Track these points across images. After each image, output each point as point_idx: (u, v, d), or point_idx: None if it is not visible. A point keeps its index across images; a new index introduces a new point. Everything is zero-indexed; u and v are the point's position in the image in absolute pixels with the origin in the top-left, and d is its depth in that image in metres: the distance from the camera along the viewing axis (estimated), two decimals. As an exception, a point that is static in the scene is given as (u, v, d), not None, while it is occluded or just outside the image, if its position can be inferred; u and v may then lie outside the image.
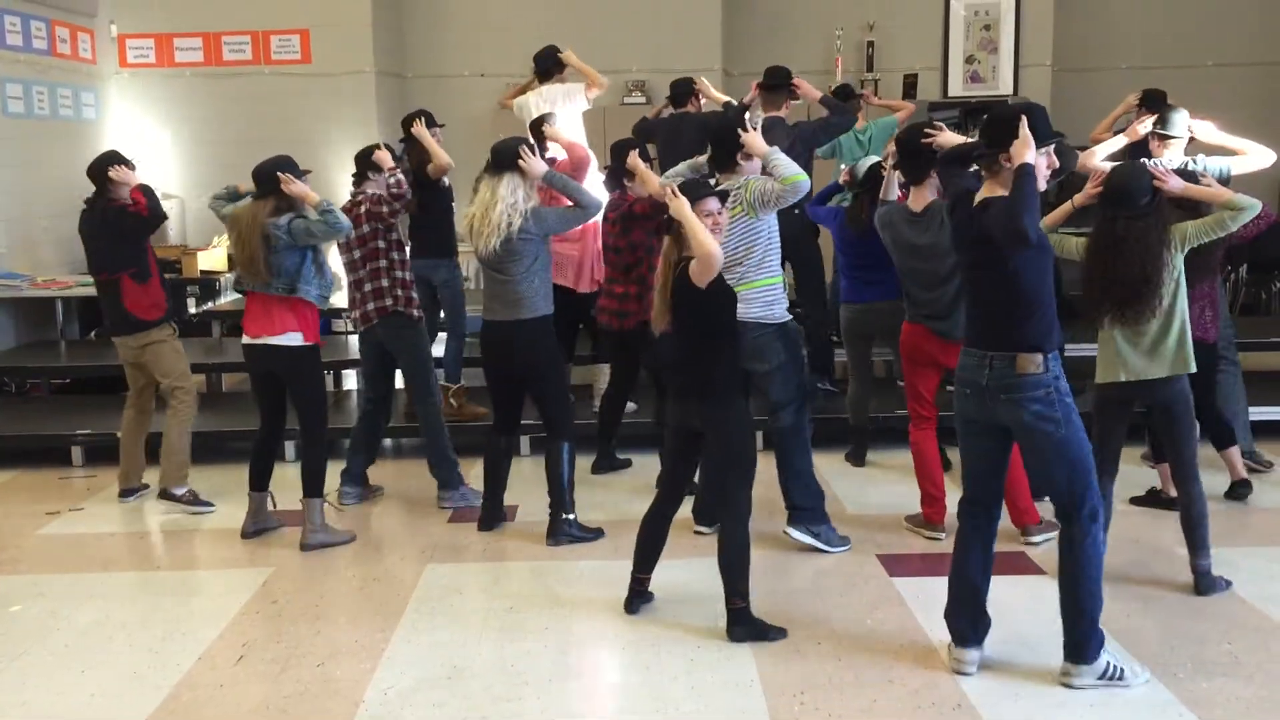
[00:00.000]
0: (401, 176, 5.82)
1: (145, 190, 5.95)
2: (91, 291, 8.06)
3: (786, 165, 4.87)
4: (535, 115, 7.19)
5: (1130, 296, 4.37)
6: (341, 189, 5.97)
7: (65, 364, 8.07)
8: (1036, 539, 5.15)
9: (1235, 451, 5.76)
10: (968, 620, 3.98)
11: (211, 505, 5.94)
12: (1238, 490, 5.75)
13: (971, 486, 4.00)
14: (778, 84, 7.06)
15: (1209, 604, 4.52)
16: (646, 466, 6.34)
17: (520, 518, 5.70)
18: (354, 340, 7.39)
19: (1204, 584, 4.65)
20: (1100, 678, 3.86)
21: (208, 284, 9.03)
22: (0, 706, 3.89)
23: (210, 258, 9.10)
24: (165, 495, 5.98)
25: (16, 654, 4.30)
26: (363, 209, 5.73)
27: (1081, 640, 3.87)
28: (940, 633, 4.23)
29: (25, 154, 8.65)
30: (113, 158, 5.98)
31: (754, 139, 4.96)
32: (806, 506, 5.16)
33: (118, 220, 5.90)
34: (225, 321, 8.20)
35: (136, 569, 5.23)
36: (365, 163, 5.85)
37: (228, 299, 8.75)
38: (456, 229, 6.52)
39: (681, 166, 5.32)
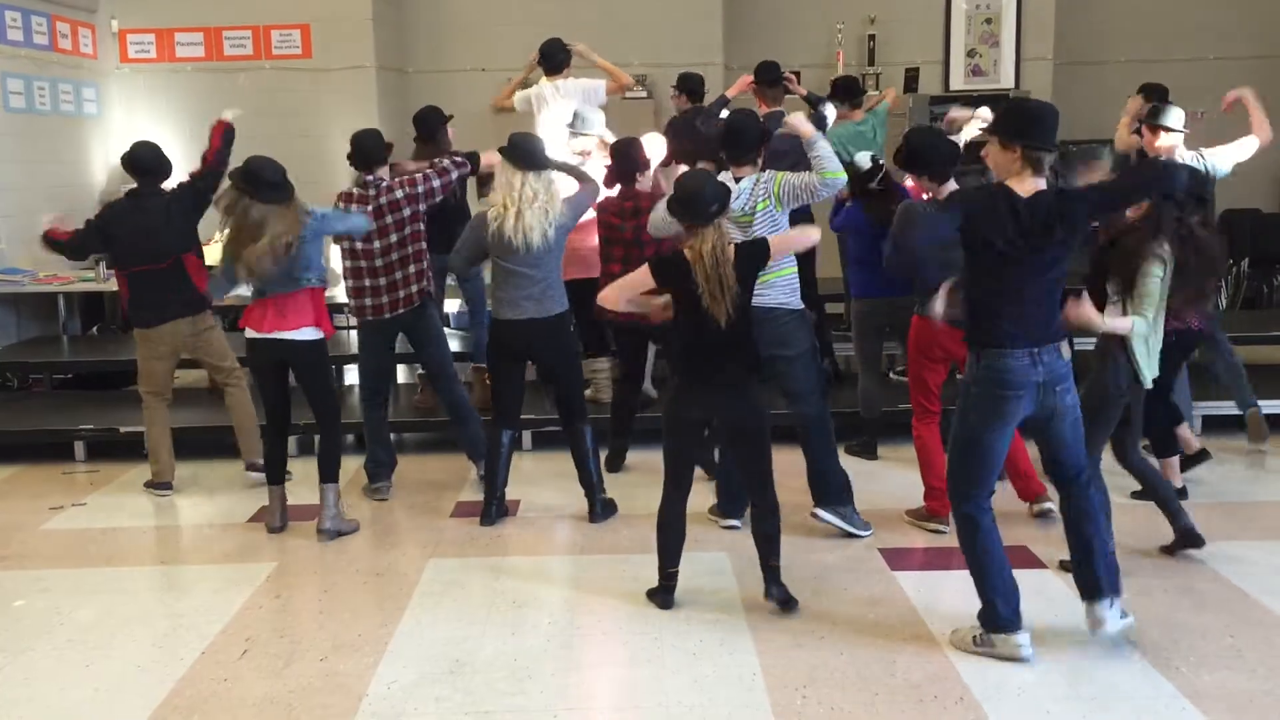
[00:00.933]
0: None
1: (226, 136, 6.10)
2: (93, 286, 8.12)
3: (830, 159, 4.91)
4: (551, 109, 7.20)
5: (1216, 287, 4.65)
6: (344, 183, 5.91)
7: (67, 359, 8.08)
8: (1049, 505, 5.28)
9: (1185, 427, 5.91)
10: (1016, 605, 4.02)
11: (291, 474, 5.93)
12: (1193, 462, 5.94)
13: (993, 483, 4.04)
14: (776, 79, 7.10)
15: (1211, 597, 4.52)
16: (639, 460, 6.34)
17: (522, 512, 5.70)
18: (352, 335, 7.40)
19: (1195, 538, 4.89)
20: (1121, 616, 4.04)
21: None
22: (4, 701, 3.90)
23: (212, 252, 9.08)
24: (254, 467, 6.10)
25: (20, 649, 4.30)
26: (399, 194, 5.63)
27: (1111, 571, 4.02)
28: (942, 625, 4.25)
29: (26, 149, 8.64)
30: (156, 146, 6.06)
31: (800, 122, 5.03)
32: (840, 489, 5.27)
33: (186, 194, 6.01)
34: (226, 316, 8.19)
35: (140, 564, 5.23)
36: (379, 149, 5.73)
37: (229, 296, 8.72)
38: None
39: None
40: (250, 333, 5.32)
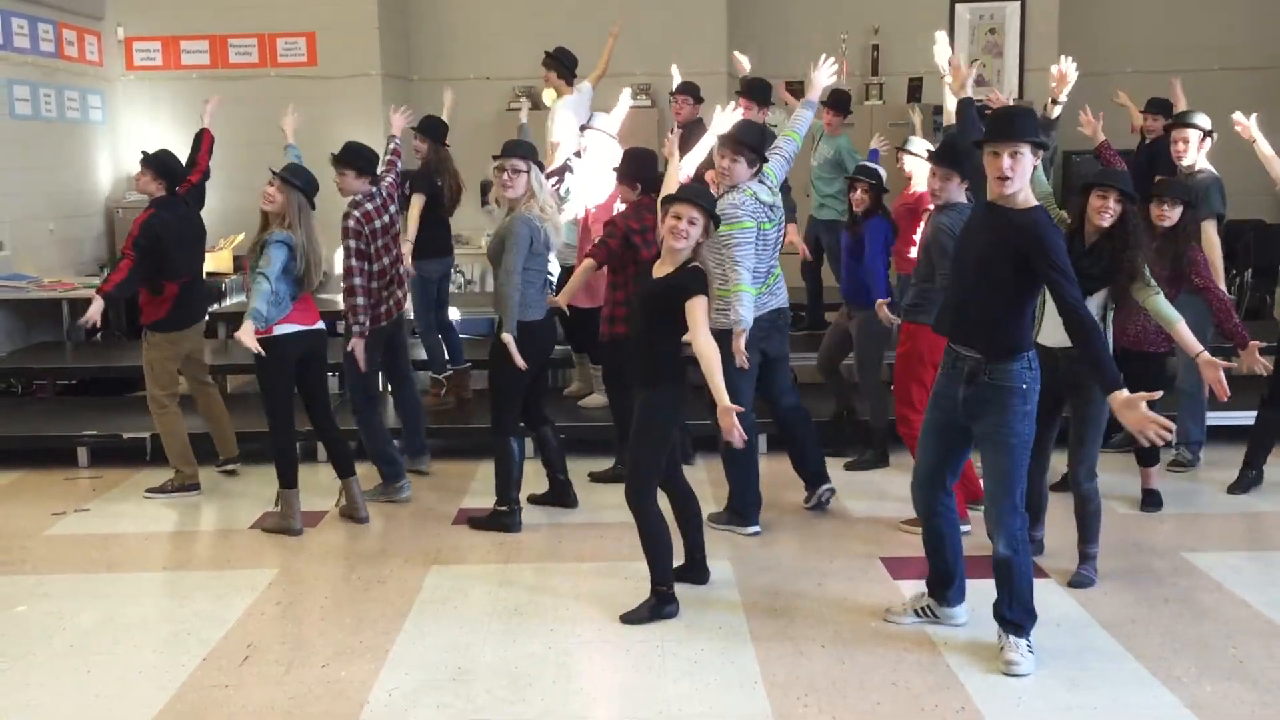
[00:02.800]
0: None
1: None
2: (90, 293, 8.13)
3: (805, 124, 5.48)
4: (557, 120, 7.37)
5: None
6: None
7: (71, 365, 8.09)
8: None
9: None
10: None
11: (237, 471, 6.49)
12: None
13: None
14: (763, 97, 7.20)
15: (1213, 608, 4.52)
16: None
17: (523, 519, 5.67)
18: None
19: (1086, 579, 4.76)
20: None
21: (212, 285, 9.03)
22: (4, 707, 3.90)
23: (216, 259, 9.11)
24: (232, 460, 6.48)
25: (21, 654, 4.30)
26: (394, 204, 5.90)
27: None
28: (945, 635, 4.24)
29: (32, 156, 8.68)
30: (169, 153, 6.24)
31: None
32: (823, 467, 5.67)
33: (198, 199, 6.30)
34: (230, 324, 8.20)
35: (141, 570, 5.23)
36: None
37: (232, 301, 8.76)
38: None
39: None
40: (287, 328, 5.32)
